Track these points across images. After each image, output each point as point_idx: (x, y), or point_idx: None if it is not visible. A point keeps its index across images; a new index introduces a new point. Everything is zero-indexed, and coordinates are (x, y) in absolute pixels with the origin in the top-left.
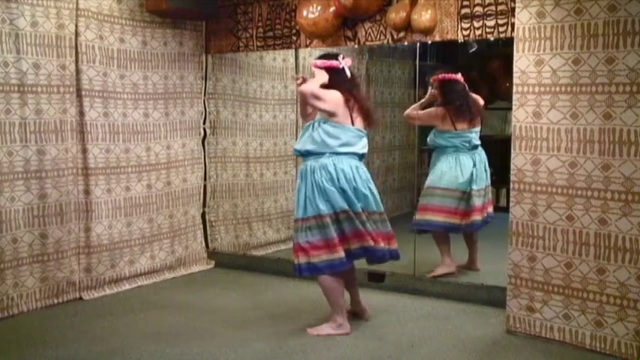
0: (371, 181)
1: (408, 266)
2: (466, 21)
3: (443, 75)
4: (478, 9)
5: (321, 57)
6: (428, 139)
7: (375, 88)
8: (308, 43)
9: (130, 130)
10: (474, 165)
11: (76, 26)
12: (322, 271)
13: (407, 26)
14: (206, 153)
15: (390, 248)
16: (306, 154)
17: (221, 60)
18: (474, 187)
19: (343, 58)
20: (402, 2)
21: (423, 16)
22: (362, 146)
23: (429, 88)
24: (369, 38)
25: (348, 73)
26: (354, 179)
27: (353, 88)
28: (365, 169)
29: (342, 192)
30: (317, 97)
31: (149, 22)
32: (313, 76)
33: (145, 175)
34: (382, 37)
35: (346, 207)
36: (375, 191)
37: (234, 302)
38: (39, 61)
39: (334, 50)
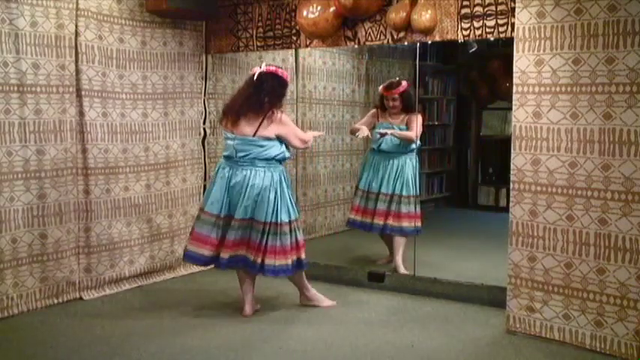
0: (237, 186)
1: (408, 267)
2: (466, 21)
3: (407, 84)
4: (478, 9)
5: None
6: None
7: (375, 88)
8: (308, 43)
9: (128, 130)
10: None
11: (76, 26)
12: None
13: (407, 26)
14: (206, 153)
15: (227, 255)
16: None
17: (221, 60)
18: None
19: (267, 65)
20: (402, 2)
21: (423, 16)
22: (228, 149)
23: (389, 99)
24: (369, 38)
25: (256, 75)
26: (214, 180)
27: (243, 87)
28: (235, 173)
29: (207, 190)
30: None
31: (149, 22)
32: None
33: (143, 175)
34: (382, 37)
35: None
36: (236, 196)
37: (234, 302)
38: (38, 61)
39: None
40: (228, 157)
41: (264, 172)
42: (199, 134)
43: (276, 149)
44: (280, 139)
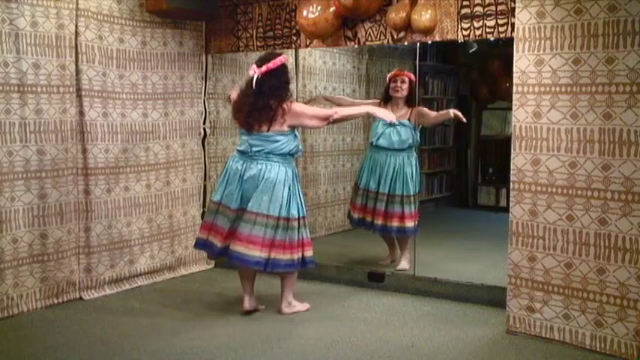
0: (252, 179)
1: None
2: (466, 21)
3: (408, 72)
4: (478, 9)
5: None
6: (415, 137)
7: (375, 88)
8: (308, 43)
9: (128, 130)
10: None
11: (76, 26)
12: None
13: (407, 26)
14: (206, 153)
15: (231, 247)
16: None
17: (221, 60)
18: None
19: (260, 66)
20: (402, 2)
21: (423, 16)
22: (242, 144)
23: (394, 84)
24: (369, 38)
25: (254, 82)
26: (226, 171)
27: (244, 91)
28: (250, 166)
29: (220, 183)
30: None
31: (149, 22)
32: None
33: (144, 175)
34: (382, 37)
35: (213, 198)
36: (249, 190)
37: (234, 302)
38: (39, 61)
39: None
40: (242, 152)
41: (278, 166)
42: (199, 134)
43: (291, 144)
44: (295, 129)
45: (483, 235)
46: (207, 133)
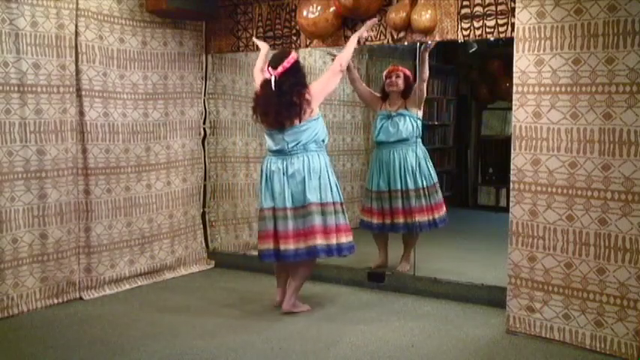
0: (298, 174)
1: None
2: (466, 21)
3: (402, 68)
4: (478, 9)
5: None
6: (417, 127)
7: (375, 87)
8: (308, 43)
9: (129, 130)
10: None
11: (76, 26)
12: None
13: (407, 26)
14: (206, 153)
15: (303, 246)
16: None
17: (221, 60)
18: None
19: (275, 67)
20: (402, 2)
21: (423, 16)
22: (272, 144)
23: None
24: (369, 38)
25: (273, 84)
26: (267, 176)
27: (264, 93)
28: (291, 162)
29: (264, 190)
30: None
31: (149, 22)
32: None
33: (144, 175)
34: (382, 37)
35: (264, 205)
36: (298, 184)
37: (234, 302)
38: (39, 61)
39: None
40: (278, 151)
41: (317, 155)
42: (199, 134)
43: (322, 129)
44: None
45: (483, 235)
46: (207, 133)
